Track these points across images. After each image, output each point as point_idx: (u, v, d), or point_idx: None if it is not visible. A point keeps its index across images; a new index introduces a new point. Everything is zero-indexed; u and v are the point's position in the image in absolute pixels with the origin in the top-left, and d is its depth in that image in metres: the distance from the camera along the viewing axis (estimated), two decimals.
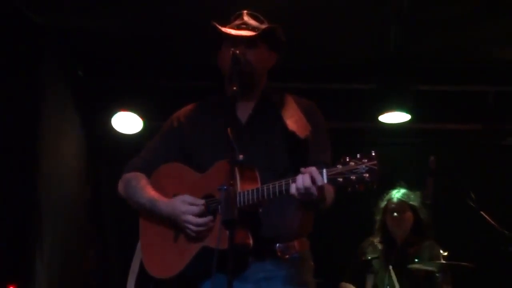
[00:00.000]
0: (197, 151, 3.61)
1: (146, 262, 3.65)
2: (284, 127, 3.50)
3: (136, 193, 3.64)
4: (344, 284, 6.00)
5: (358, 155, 3.00)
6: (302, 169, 3.11)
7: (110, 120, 6.89)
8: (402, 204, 6.00)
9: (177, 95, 6.70)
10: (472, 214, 5.67)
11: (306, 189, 3.08)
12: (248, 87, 3.56)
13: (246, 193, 3.26)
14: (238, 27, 3.60)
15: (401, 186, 6.15)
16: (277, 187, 3.18)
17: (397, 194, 6.09)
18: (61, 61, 6.45)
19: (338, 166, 3.04)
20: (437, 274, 5.50)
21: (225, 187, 3.02)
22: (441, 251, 5.54)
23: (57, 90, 6.44)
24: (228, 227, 2.99)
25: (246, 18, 3.66)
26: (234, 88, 3.32)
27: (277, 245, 3.46)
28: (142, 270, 3.75)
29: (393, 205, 6.03)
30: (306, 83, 6.64)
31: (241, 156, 3.11)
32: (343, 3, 5.64)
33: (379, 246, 6.00)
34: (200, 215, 3.38)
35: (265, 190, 3.22)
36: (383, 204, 6.10)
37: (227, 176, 3.11)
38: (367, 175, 2.97)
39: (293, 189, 3.11)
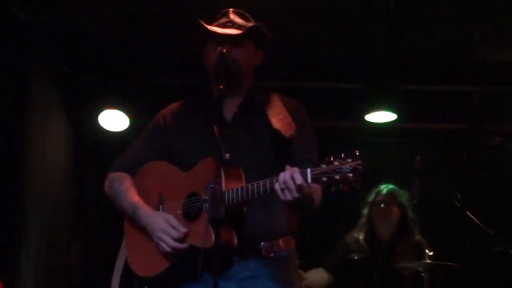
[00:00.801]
0: (183, 150, 3.58)
1: (130, 260, 3.62)
2: (269, 125, 3.46)
3: (119, 196, 3.62)
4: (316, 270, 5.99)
5: (342, 155, 2.99)
6: (286, 167, 3.10)
7: (97, 117, 6.86)
8: (390, 197, 6.02)
9: (164, 93, 6.69)
10: (457, 214, 5.69)
11: (288, 187, 3.05)
12: (234, 85, 3.54)
13: (231, 192, 3.23)
14: (224, 25, 3.58)
15: (391, 183, 6.15)
16: (261, 186, 3.16)
17: (386, 187, 6.10)
18: (46, 58, 6.41)
19: (322, 165, 3.02)
20: (423, 274, 5.49)
21: (211, 185, 3.03)
22: (427, 251, 5.54)
23: (43, 86, 6.41)
24: (215, 225, 2.99)
25: (232, 16, 3.64)
26: (221, 86, 3.30)
27: (262, 243, 3.43)
28: (126, 267, 3.74)
29: (381, 197, 6.05)
30: (292, 81, 6.64)
31: (227, 155, 3.11)
32: (330, 2, 5.64)
33: (365, 245, 5.97)
34: (177, 240, 3.34)
35: (249, 188, 3.20)
36: (371, 197, 6.10)
37: (211, 175, 3.14)
38: (351, 174, 2.96)
39: (276, 187, 3.09)
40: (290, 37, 5.91)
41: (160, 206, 3.52)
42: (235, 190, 3.23)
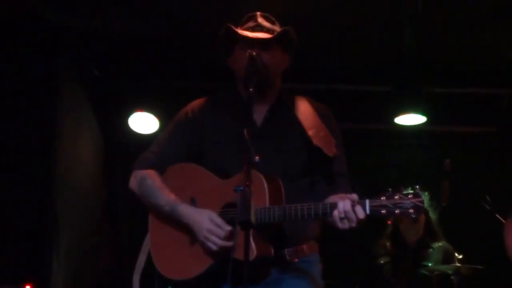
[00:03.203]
0: (209, 149, 3.53)
1: (157, 262, 3.56)
2: (303, 134, 3.45)
3: (152, 193, 3.54)
4: None
5: (402, 188, 3.05)
6: (347, 195, 3.12)
7: (127, 120, 6.88)
8: None
9: (193, 95, 6.65)
10: (487, 216, 5.63)
11: (348, 218, 3.07)
12: (264, 89, 3.51)
13: (277, 209, 3.23)
14: (253, 29, 3.52)
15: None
16: (312, 209, 3.16)
17: None
18: (77, 62, 6.45)
19: (382, 198, 3.05)
20: (452, 277, 5.45)
21: (241, 188, 2.99)
22: (456, 254, 5.51)
23: (74, 90, 6.45)
24: (244, 228, 2.96)
25: (260, 19, 3.58)
26: (251, 89, 3.27)
27: (286, 249, 3.41)
28: (148, 266, 3.68)
29: None
30: (321, 84, 6.61)
31: (257, 158, 3.07)
32: (358, 5, 5.62)
33: (392, 250, 5.97)
34: (225, 238, 3.30)
35: (299, 209, 3.19)
36: None
37: (255, 189, 3.06)
38: (412, 211, 3.01)
39: (335, 217, 3.10)
40: (319, 40, 5.90)
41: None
42: (286, 209, 3.22)
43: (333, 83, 6.75)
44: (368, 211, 3.06)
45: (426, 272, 5.72)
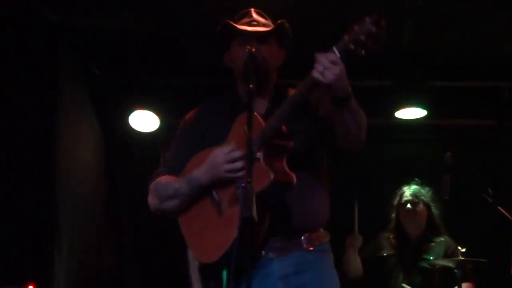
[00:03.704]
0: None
1: (194, 251, 3.53)
2: (303, 114, 3.43)
3: (167, 187, 3.54)
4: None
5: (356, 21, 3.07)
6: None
7: (127, 118, 6.88)
8: (414, 197, 6.04)
9: (193, 93, 6.69)
10: (489, 210, 5.63)
11: (325, 66, 3.07)
12: (263, 84, 3.53)
13: (273, 116, 3.26)
14: (250, 24, 3.55)
15: (413, 183, 6.14)
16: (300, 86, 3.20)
17: (409, 189, 6.11)
18: (77, 60, 6.43)
19: (344, 37, 3.08)
20: (455, 271, 5.45)
21: (242, 185, 2.99)
22: (459, 247, 5.51)
23: (74, 88, 6.43)
24: (247, 225, 2.96)
25: (255, 15, 3.61)
26: (251, 86, 3.27)
27: (302, 237, 3.42)
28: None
29: (405, 198, 6.05)
30: None
31: (258, 154, 3.09)
32: (357, 0, 5.61)
33: (394, 243, 6.01)
34: (241, 158, 3.27)
35: (291, 98, 3.25)
36: (396, 200, 6.13)
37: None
38: (374, 27, 3.06)
39: (314, 73, 3.10)
40: (318, 36, 5.87)
41: (214, 192, 3.44)
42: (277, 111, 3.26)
43: None
44: (338, 53, 3.09)
45: (428, 266, 5.75)
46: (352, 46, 3.07)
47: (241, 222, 2.94)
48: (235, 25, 3.53)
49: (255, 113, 3.23)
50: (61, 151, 6.07)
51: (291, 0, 5.44)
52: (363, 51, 3.06)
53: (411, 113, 6.82)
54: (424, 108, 6.73)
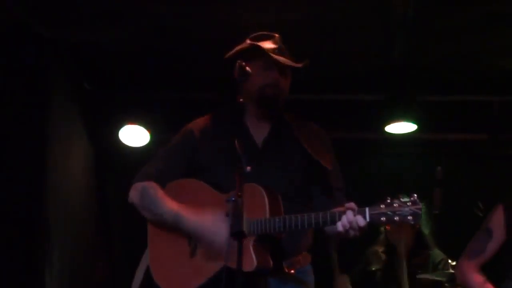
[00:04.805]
0: (211, 169, 3.61)
1: (156, 275, 3.60)
2: (303, 152, 3.59)
3: (155, 203, 3.59)
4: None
5: (400, 197, 3.21)
6: (346, 205, 3.25)
7: (117, 133, 6.88)
8: None
9: (184, 108, 6.73)
10: (480, 224, 5.65)
11: (352, 227, 3.20)
12: (274, 111, 3.68)
13: (281, 219, 3.34)
14: (277, 52, 3.63)
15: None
16: (320, 218, 3.29)
17: None
18: (67, 74, 6.42)
19: (381, 205, 3.19)
20: (446, 284, 5.48)
21: (233, 198, 3.03)
22: (449, 261, 5.53)
23: (64, 103, 6.42)
24: (236, 239, 3.00)
25: (280, 43, 3.69)
26: (241, 100, 3.35)
27: (284, 261, 3.51)
28: (146, 280, 3.70)
29: None
30: (311, 94, 6.64)
31: (248, 168, 3.12)
32: (347, 13, 5.64)
33: (383, 257, 6.01)
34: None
35: (305, 219, 3.30)
36: None
37: (254, 201, 3.28)
38: (411, 218, 3.16)
39: (339, 227, 3.23)
40: (308, 50, 5.90)
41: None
42: (287, 219, 3.33)
43: (324, 93, 6.77)
44: (368, 219, 3.19)
45: (418, 280, 5.76)
46: (383, 219, 3.19)
47: (231, 236, 2.99)
48: (269, 53, 3.58)
49: (264, 194, 3.35)
50: (51, 166, 6.06)
51: (280, 13, 5.46)
52: (388, 227, 3.20)
53: (401, 127, 6.85)
54: (414, 122, 6.76)
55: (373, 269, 6.03)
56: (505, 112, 6.91)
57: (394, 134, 6.92)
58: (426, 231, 5.96)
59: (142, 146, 6.94)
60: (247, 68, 3.39)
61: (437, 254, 5.92)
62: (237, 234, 3.01)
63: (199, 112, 6.77)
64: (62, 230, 6.15)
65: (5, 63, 5.72)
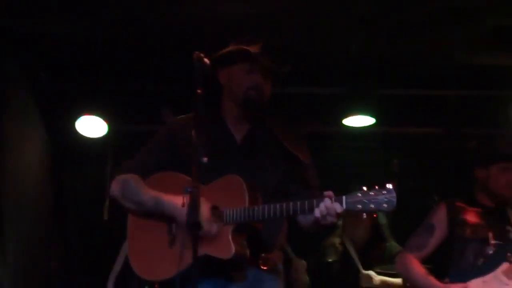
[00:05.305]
0: (189, 164, 3.65)
1: (135, 264, 3.67)
2: (282, 149, 3.72)
3: (136, 193, 3.68)
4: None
5: (376, 187, 3.34)
6: (324, 193, 3.36)
7: (74, 123, 6.88)
8: None
9: (142, 99, 6.74)
10: None
11: (330, 213, 3.31)
12: (256, 112, 3.78)
13: (260, 208, 3.45)
14: (260, 57, 3.72)
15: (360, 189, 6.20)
16: (298, 206, 3.41)
17: None
18: (23, 65, 6.43)
19: (358, 194, 3.33)
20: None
21: (189, 189, 3.06)
22: None
23: (20, 94, 6.45)
24: (193, 229, 3.07)
25: (262, 47, 3.76)
26: (199, 91, 3.39)
27: (260, 256, 3.63)
28: (124, 270, 3.76)
29: None
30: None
31: (205, 159, 3.15)
32: (307, 8, 5.68)
33: (340, 249, 6.07)
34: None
35: (284, 207, 3.42)
36: None
37: (233, 191, 3.47)
38: (386, 205, 3.31)
39: (317, 213, 3.34)
40: (268, 43, 5.93)
41: (174, 225, 3.58)
42: (266, 207, 3.44)
43: (282, 86, 6.79)
44: (345, 206, 3.31)
45: (374, 272, 5.82)
46: (359, 207, 3.31)
47: (188, 227, 3.03)
48: (257, 57, 3.70)
49: (243, 185, 3.48)
50: (6, 156, 6.09)
51: (240, 7, 5.49)
52: (364, 215, 3.35)
53: (359, 120, 6.94)
54: (372, 116, 6.86)
55: (330, 260, 6.08)
56: (460, 106, 7.01)
57: (352, 127, 7.01)
58: (382, 222, 6.03)
59: (100, 137, 6.94)
60: (205, 60, 3.40)
61: (394, 246, 5.98)
62: (193, 225, 3.07)
63: (156, 103, 6.81)
64: (17, 220, 6.18)
65: None
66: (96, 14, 5.80)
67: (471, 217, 4.72)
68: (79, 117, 6.86)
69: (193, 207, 3.08)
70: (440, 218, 4.79)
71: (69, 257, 7.03)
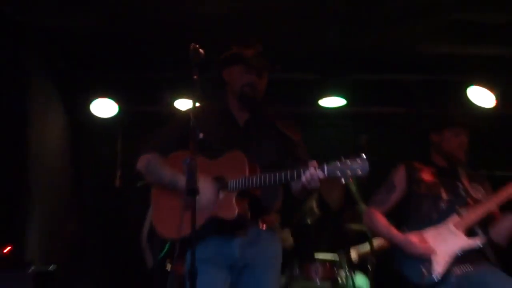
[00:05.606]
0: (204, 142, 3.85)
1: (158, 226, 3.91)
2: (278, 131, 3.96)
3: (158, 169, 3.91)
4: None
5: (352, 157, 3.54)
6: (309, 163, 3.55)
7: (89, 105, 7.05)
8: None
9: (147, 84, 6.84)
10: None
11: (313, 179, 3.50)
12: (251, 107, 3.99)
13: (257, 177, 3.66)
14: (256, 58, 3.94)
15: (334, 160, 6.22)
16: (288, 174, 3.59)
17: None
18: (44, 55, 6.56)
19: (337, 162, 3.52)
20: (369, 236, 5.64)
21: (188, 160, 3.22)
22: None
23: (42, 81, 6.61)
24: (191, 195, 3.24)
25: (259, 48, 4.01)
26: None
27: (259, 219, 3.86)
28: (151, 230, 4.03)
29: None
30: None
31: (201, 135, 3.32)
32: (288, 4, 5.74)
33: (317, 211, 6.13)
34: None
35: (277, 176, 3.61)
36: None
37: (237, 164, 3.67)
38: (360, 172, 3.50)
39: (303, 179, 3.53)
40: (253, 34, 5.95)
41: None
42: (263, 176, 3.64)
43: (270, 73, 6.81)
44: (326, 172, 3.51)
45: (347, 230, 5.92)
46: (338, 174, 3.50)
47: (187, 193, 3.25)
48: (249, 60, 3.89)
49: (245, 158, 3.70)
50: (31, 135, 6.28)
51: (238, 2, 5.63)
52: (343, 180, 3.52)
53: (333, 102, 7.12)
54: (344, 97, 7.05)
55: (309, 222, 6.17)
56: (420, 90, 7.10)
57: (326, 107, 7.19)
58: (353, 188, 6.09)
59: (111, 117, 7.13)
60: (200, 50, 3.53)
61: (363, 207, 6.02)
62: (191, 191, 3.25)
63: (159, 88, 6.87)
64: (42, 190, 6.39)
65: None
66: (107, 10, 5.88)
67: (427, 176, 4.83)
68: (93, 99, 7.05)
69: (190, 175, 3.24)
70: (399, 177, 4.89)
71: (86, 219, 7.19)
